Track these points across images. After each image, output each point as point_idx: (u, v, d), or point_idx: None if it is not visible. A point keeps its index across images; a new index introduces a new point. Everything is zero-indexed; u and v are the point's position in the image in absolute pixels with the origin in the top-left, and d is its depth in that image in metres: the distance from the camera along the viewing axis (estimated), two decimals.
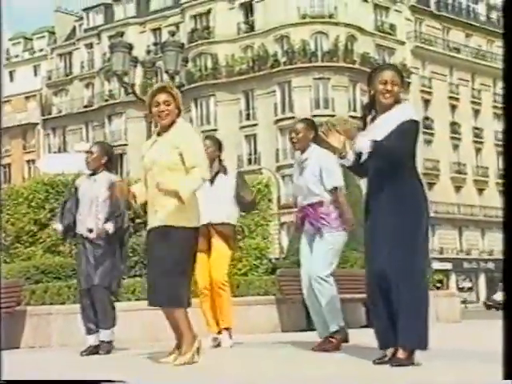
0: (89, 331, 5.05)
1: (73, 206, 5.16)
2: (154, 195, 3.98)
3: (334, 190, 4.68)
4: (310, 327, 7.62)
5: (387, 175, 3.69)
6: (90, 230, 5.04)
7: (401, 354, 3.61)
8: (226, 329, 5.32)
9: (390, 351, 3.69)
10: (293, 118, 41.56)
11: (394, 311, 3.64)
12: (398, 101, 3.77)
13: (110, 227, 5.03)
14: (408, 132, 3.66)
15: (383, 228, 3.66)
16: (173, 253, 3.86)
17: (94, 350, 4.98)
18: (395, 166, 3.66)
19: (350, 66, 41.71)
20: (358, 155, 3.79)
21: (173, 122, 4.04)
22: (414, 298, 3.61)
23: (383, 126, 3.71)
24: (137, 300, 7.06)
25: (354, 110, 41.36)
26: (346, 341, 4.63)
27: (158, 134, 4.11)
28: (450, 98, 45.72)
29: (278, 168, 41.10)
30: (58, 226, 5.25)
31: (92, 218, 5.04)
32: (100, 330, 5.03)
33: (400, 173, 3.67)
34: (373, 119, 3.84)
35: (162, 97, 4.02)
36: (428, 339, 3.67)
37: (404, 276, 3.60)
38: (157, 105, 4.01)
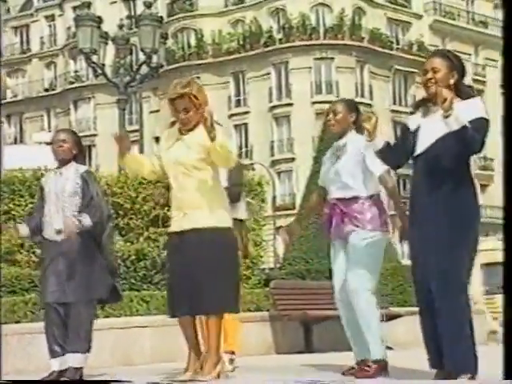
0: (53, 354, 4.96)
1: (40, 205, 5.15)
2: (179, 196, 4.32)
3: (381, 177, 4.65)
4: (308, 349, 7.69)
5: (441, 175, 3.87)
6: (59, 232, 4.96)
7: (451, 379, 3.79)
8: (229, 352, 5.33)
9: (440, 374, 3.89)
10: (290, 104, 41.81)
11: (440, 327, 3.85)
12: (460, 94, 3.90)
13: (85, 220, 4.88)
14: (484, 131, 3.87)
15: (429, 236, 3.88)
16: (218, 254, 4.24)
17: (58, 376, 4.94)
18: (456, 165, 3.87)
19: (358, 43, 41.82)
20: (388, 144, 4.08)
21: (197, 124, 4.35)
22: (456, 317, 3.81)
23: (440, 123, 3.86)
24: (106, 317, 7.08)
25: (362, 96, 41.49)
26: (385, 370, 4.57)
27: (180, 132, 4.40)
28: (475, 81, 45.88)
29: (273, 163, 41.18)
30: (22, 228, 5.12)
31: (59, 217, 5.01)
32: (68, 354, 4.92)
33: (456, 175, 3.88)
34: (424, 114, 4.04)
35: (179, 105, 4.32)
36: (475, 361, 3.84)
37: (444, 291, 3.81)
38: (176, 111, 4.33)
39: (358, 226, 4.58)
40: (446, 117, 3.76)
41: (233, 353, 5.39)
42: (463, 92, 3.95)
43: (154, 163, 4.50)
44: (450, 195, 3.87)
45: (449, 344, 3.81)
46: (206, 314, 4.26)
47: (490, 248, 15.29)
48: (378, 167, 4.58)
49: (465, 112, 3.80)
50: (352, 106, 4.84)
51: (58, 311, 4.96)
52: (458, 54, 4.22)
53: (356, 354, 4.70)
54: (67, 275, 4.91)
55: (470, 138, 3.77)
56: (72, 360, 4.93)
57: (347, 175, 4.65)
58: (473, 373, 3.84)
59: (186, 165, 4.29)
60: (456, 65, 4.00)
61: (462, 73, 4.01)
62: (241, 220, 5.51)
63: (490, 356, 3.97)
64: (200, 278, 4.18)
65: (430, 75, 3.96)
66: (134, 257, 8.40)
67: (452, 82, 3.95)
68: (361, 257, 4.55)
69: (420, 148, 3.96)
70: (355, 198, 4.62)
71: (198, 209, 4.26)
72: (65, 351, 4.96)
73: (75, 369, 4.93)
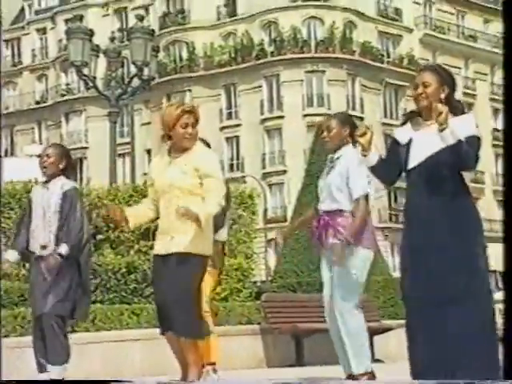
0: (41, 368, 5.02)
1: (27, 220, 5.16)
2: (169, 220, 4.37)
3: (357, 200, 4.69)
4: (299, 362, 7.67)
5: (439, 187, 3.87)
6: (43, 247, 5.04)
7: None
8: (210, 363, 5.35)
9: None
10: (282, 117, 41.89)
11: (440, 342, 3.81)
12: (452, 108, 3.89)
13: (63, 249, 4.98)
14: (477, 148, 3.87)
15: (429, 248, 3.85)
16: (193, 280, 4.35)
17: None
18: (452, 177, 3.89)
19: (349, 56, 41.98)
20: (382, 160, 4.07)
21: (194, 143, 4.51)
22: (479, 326, 3.79)
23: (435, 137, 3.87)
24: (97, 331, 7.06)
25: (353, 109, 41.61)
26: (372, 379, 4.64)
27: (169, 154, 4.48)
28: (466, 94, 46.15)
29: (265, 175, 41.19)
30: (11, 255, 5.16)
31: (45, 233, 5.04)
32: (48, 366, 4.98)
33: (453, 186, 3.89)
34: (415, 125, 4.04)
35: (191, 118, 4.44)
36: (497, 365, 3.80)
37: (463, 302, 3.79)
38: (185, 126, 4.42)
39: (341, 240, 4.63)
40: (442, 130, 3.78)
41: (214, 363, 5.41)
42: (455, 107, 3.96)
43: (155, 199, 4.51)
44: (449, 206, 3.87)
45: (466, 352, 3.78)
46: (178, 336, 4.35)
47: None
48: (357, 190, 4.66)
49: (459, 128, 3.82)
50: (345, 120, 4.86)
51: (39, 324, 4.98)
52: (448, 68, 4.24)
53: (345, 367, 4.72)
54: (45, 288, 4.99)
55: (464, 153, 3.79)
56: (51, 372, 5.00)
57: (335, 188, 4.71)
58: (496, 376, 3.80)
59: (182, 189, 4.36)
60: (446, 79, 4.01)
61: (453, 87, 4.02)
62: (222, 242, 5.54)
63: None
64: (177, 301, 4.28)
65: (420, 90, 3.97)
66: (124, 270, 8.38)
67: (443, 96, 3.96)
68: (343, 273, 4.61)
69: (414, 162, 3.97)
70: (340, 211, 4.68)
71: (185, 233, 4.33)
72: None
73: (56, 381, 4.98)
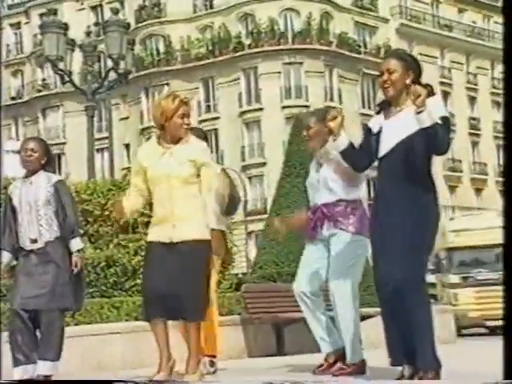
0: (16, 362, 4.95)
1: (10, 217, 5.13)
2: (168, 208, 4.47)
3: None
4: (280, 351, 7.71)
5: (403, 177, 3.90)
6: (34, 241, 5.02)
7: (424, 376, 3.87)
8: (209, 356, 5.40)
9: (406, 370, 3.94)
10: (260, 109, 41.89)
11: (405, 327, 3.91)
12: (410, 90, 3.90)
13: (77, 244, 5.03)
14: (449, 129, 3.90)
15: (392, 236, 3.90)
16: (203, 266, 4.45)
17: None
18: (419, 167, 3.91)
19: (326, 48, 42.06)
20: (352, 145, 4.08)
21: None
22: (425, 315, 3.89)
23: (406, 122, 3.91)
24: (76, 325, 7.05)
25: (331, 100, 41.73)
26: (363, 372, 4.66)
27: (160, 145, 4.55)
28: (442, 83, 46.42)
29: (244, 168, 41.24)
30: (5, 256, 5.09)
31: (35, 227, 5.02)
32: (39, 362, 4.92)
33: (417, 178, 3.91)
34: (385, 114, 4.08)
35: (187, 109, 4.59)
36: (439, 360, 3.92)
37: (412, 290, 3.87)
38: (182, 116, 4.54)
39: (341, 229, 4.66)
40: (419, 113, 3.77)
41: (214, 356, 5.46)
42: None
43: (141, 188, 4.59)
44: (411, 198, 3.90)
45: (419, 343, 3.86)
46: (191, 320, 4.42)
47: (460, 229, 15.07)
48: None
49: (433, 110, 3.83)
50: (324, 116, 4.76)
51: (23, 318, 4.95)
52: (421, 55, 4.26)
53: (324, 348, 4.75)
54: (42, 283, 4.95)
55: (440, 137, 3.80)
56: (42, 368, 4.93)
57: (330, 180, 4.73)
58: (439, 370, 3.90)
59: (179, 178, 4.46)
60: (411, 64, 4.04)
61: (419, 72, 4.05)
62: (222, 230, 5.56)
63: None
64: (186, 286, 4.34)
65: (385, 77, 4.02)
66: (104, 263, 8.36)
67: (408, 81, 3.99)
68: (345, 261, 4.63)
69: (384, 150, 3.99)
70: (338, 202, 4.70)
71: (187, 221, 4.44)
72: (28, 360, 4.95)
73: (45, 377, 4.93)
